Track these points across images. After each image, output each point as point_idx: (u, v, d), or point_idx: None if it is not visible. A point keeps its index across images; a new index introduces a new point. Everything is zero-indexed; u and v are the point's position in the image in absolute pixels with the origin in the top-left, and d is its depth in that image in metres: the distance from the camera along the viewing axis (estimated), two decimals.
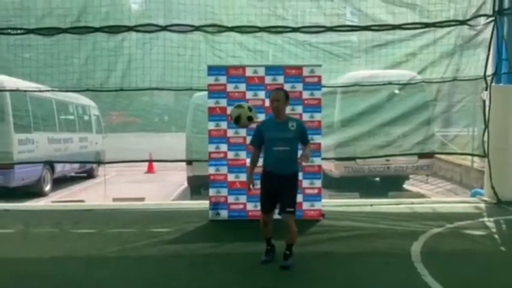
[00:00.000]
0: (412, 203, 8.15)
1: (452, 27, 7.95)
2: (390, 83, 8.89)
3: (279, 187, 4.77)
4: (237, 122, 5.11)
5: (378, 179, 11.63)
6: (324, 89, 7.26)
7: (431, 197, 10.19)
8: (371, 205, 7.94)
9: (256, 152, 5.03)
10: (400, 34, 7.86)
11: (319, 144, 6.89)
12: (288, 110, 6.67)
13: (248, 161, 6.76)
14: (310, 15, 7.61)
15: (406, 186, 11.48)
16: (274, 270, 4.83)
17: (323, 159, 7.29)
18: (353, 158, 9.36)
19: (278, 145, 4.78)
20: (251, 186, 5.06)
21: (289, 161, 4.81)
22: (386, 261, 5.10)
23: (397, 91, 9.23)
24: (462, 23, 7.92)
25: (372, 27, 7.51)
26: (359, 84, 8.68)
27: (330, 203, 7.84)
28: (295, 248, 4.97)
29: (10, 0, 8.74)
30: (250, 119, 5.07)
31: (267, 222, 4.94)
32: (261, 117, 6.80)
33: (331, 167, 10.01)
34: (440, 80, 8.51)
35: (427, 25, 7.75)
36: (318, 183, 6.92)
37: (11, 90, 9.36)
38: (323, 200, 7.18)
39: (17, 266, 5.05)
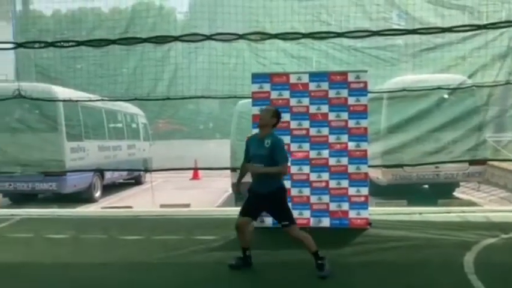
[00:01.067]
0: (463, 212, 7.84)
1: (504, 29, 7.61)
2: (439, 88, 8.62)
3: (262, 205, 4.84)
4: None
5: (426, 186, 11.28)
6: (370, 95, 7.14)
7: (484, 205, 9.75)
8: (420, 213, 7.70)
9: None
10: (450, 37, 7.61)
11: (366, 151, 6.77)
12: (333, 116, 6.72)
13: (294, 168, 6.79)
14: (355, 20, 7.50)
15: (456, 194, 11.06)
16: (318, 279, 4.75)
17: (370, 166, 7.14)
18: (401, 165, 9.11)
19: (255, 161, 4.81)
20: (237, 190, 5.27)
21: (264, 178, 4.75)
22: (438, 272, 4.92)
23: (446, 96, 8.93)
24: None
25: (420, 31, 7.29)
26: (407, 89, 8.46)
27: (377, 211, 7.66)
28: (341, 258, 4.88)
29: (63, 14, 9.16)
30: None
31: (239, 227, 4.90)
32: (306, 124, 6.82)
33: (378, 175, 9.79)
34: (493, 83, 8.16)
35: (478, 27, 7.46)
36: (365, 190, 6.78)
37: (63, 101, 9.76)
38: (370, 208, 7.03)
39: (69, 271, 5.22)
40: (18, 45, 8.16)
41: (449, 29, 7.38)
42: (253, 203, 4.87)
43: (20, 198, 11.04)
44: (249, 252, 5.05)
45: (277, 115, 4.92)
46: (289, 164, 5.16)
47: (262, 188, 4.76)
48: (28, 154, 9.46)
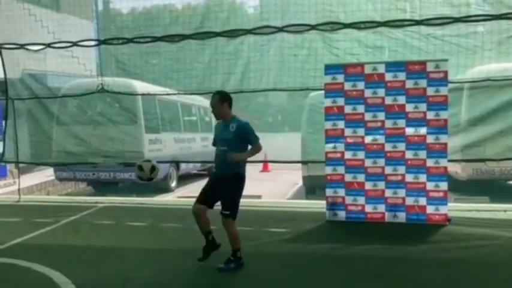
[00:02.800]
0: None
1: None
2: None
3: (217, 187, 4.86)
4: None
5: (511, 182, 10.57)
6: (450, 85, 6.78)
7: None
8: (504, 211, 7.25)
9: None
10: None
11: (446, 144, 6.46)
12: (410, 108, 6.47)
13: (368, 161, 6.65)
14: (435, 6, 7.11)
15: None
16: (395, 274, 4.62)
17: (449, 160, 6.81)
18: (483, 160, 8.58)
19: (219, 145, 4.93)
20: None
21: (226, 162, 4.75)
22: None
23: None
24: None
25: (508, 15, 6.78)
26: (490, 79, 7.92)
27: (457, 208, 7.30)
28: (420, 254, 4.69)
29: (139, 11, 9.53)
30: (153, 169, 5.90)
31: (196, 213, 4.93)
32: (381, 116, 6.62)
33: (457, 169, 9.30)
34: None
35: None
36: (444, 185, 6.48)
37: (142, 94, 10.20)
38: (449, 204, 6.71)
39: (149, 256, 5.47)
40: (101, 42, 8.63)
41: None
42: (208, 189, 4.97)
43: (102, 187, 11.72)
44: (211, 236, 5.07)
45: (224, 99, 4.96)
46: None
47: (223, 171, 4.84)
48: (110, 145, 9.98)
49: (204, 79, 8.50)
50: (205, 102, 14.34)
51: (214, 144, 5.14)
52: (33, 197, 10.64)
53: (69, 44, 8.36)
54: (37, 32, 8.71)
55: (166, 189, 11.65)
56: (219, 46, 8.15)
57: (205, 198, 4.92)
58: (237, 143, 4.81)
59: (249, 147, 4.88)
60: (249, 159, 4.99)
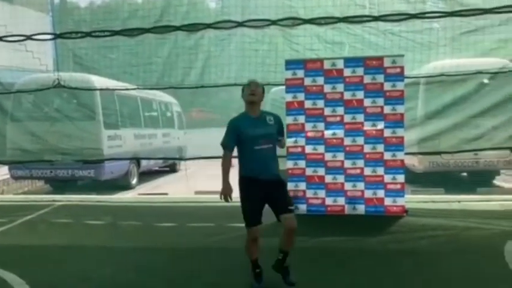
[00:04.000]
0: (505, 200, 7.59)
1: None
2: (479, 72, 8.29)
3: (267, 192, 4.09)
4: None
5: (465, 174, 10.98)
6: (406, 80, 6.96)
7: None
8: (458, 202, 7.52)
9: (229, 155, 4.24)
10: (492, 18, 7.29)
11: (402, 138, 6.63)
12: (368, 102, 6.60)
13: (328, 155, 6.73)
14: (392, 3, 7.29)
15: (497, 182, 10.71)
16: (354, 265, 4.72)
17: (406, 153, 7.00)
18: (439, 153, 8.88)
19: (261, 143, 4.10)
20: (229, 199, 4.19)
21: (272, 159, 4.20)
22: (477, 262, 4.80)
23: (486, 81, 8.60)
24: None
25: (461, 13, 7.02)
26: (445, 74, 8.20)
27: (414, 199, 7.51)
28: (376, 245, 4.82)
29: (98, 5, 9.32)
30: None
31: (257, 238, 4.22)
32: (340, 111, 6.72)
33: (414, 162, 9.58)
34: None
35: None
36: (401, 178, 6.66)
37: (100, 89, 9.96)
38: (406, 196, 6.90)
39: (109, 255, 5.37)
40: (57, 36, 8.36)
41: (492, 10, 7.08)
42: (259, 203, 4.15)
43: (60, 185, 11.40)
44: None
45: (264, 91, 4.38)
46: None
47: (272, 172, 4.16)
48: (67, 142, 9.74)
49: (164, 74, 8.41)
50: (166, 97, 14.19)
51: (229, 145, 4.19)
52: None
53: (22, 38, 8.06)
54: None
55: (127, 187, 11.44)
56: (179, 40, 8.08)
57: (261, 216, 4.19)
58: (276, 138, 4.26)
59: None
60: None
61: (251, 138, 4.10)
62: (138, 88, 9.78)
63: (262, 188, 4.07)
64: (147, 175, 13.16)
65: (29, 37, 8.09)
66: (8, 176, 11.43)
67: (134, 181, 11.92)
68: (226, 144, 4.19)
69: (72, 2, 9.68)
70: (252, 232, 4.18)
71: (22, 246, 5.76)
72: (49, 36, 8.43)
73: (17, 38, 8.10)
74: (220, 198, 4.22)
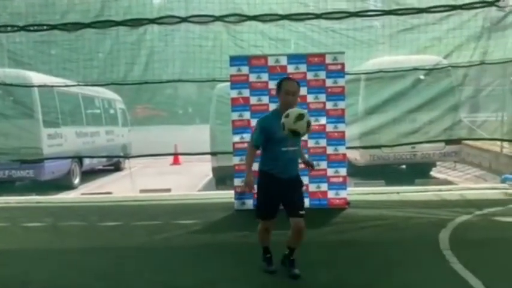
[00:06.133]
0: (440, 190, 8.03)
1: (480, 9, 7.71)
2: (415, 69, 8.71)
3: (284, 191, 4.17)
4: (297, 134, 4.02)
5: (404, 166, 11.47)
6: (347, 77, 7.18)
7: (460, 183, 9.99)
8: (397, 193, 7.87)
9: (254, 152, 4.32)
10: (426, 18, 7.66)
11: (344, 132, 6.84)
12: (311, 98, 6.75)
13: None
14: (333, 1, 7.48)
15: (433, 173, 11.29)
16: (301, 259, 4.82)
17: (348, 148, 7.22)
18: (378, 146, 9.24)
19: (288, 145, 4.12)
20: (252, 190, 4.38)
21: (296, 161, 4.29)
22: (414, 249, 5.04)
23: (422, 77, 9.04)
24: (490, 4, 7.66)
25: (397, 11, 7.33)
26: (383, 70, 8.52)
27: (356, 192, 7.79)
28: (320, 237, 4.95)
29: None
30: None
31: (269, 229, 4.38)
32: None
33: (356, 156, 9.91)
34: (468, 64, 8.28)
35: (453, 7, 7.54)
36: (343, 171, 6.88)
37: (38, 86, 9.55)
38: (348, 189, 7.13)
39: (51, 257, 5.19)
40: None
41: (426, 10, 7.44)
42: (275, 198, 4.20)
43: None
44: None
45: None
46: None
47: (292, 172, 4.21)
48: (3, 142, 9.27)
49: (106, 70, 8.16)
50: (109, 94, 13.82)
51: (258, 143, 4.21)
52: None
53: None
54: None
55: (69, 187, 11.06)
56: (120, 36, 7.87)
57: (276, 210, 4.23)
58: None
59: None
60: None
61: (279, 140, 4.09)
62: (78, 85, 9.46)
63: (281, 187, 4.15)
64: (90, 174, 12.78)
65: None
66: None
67: (77, 181, 11.54)
68: (255, 142, 4.26)
69: None
70: (265, 224, 4.32)
71: None
72: None
73: None
74: (244, 188, 4.66)
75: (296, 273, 4.32)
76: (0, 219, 6.99)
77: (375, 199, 7.48)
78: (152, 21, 7.52)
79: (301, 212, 4.18)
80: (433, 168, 11.34)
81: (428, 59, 8.77)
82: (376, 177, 9.24)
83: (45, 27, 7.71)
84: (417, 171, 10.50)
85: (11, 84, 8.61)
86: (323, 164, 6.79)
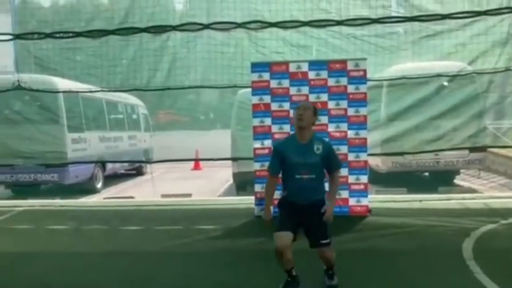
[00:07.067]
0: (464, 199, 7.87)
1: (505, 15, 7.57)
2: (439, 75, 8.60)
3: (303, 216, 3.96)
4: None
5: (426, 174, 11.30)
6: (369, 83, 7.13)
7: (484, 192, 9.78)
8: (420, 201, 7.74)
9: (274, 180, 4.10)
10: (450, 24, 7.58)
11: (365, 139, 6.78)
12: (332, 105, 6.72)
13: None
14: (355, 8, 7.46)
15: (456, 181, 11.08)
16: (318, 266, 4.78)
17: (369, 155, 7.16)
18: (400, 153, 9.12)
19: (301, 172, 3.90)
20: (268, 224, 4.07)
21: (314, 189, 3.95)
22: (437, 258, 4.96)
23: (446, 83, 8.91)
24: None
25: (420, 18, 7.26)
26: (406, 77, 8.44)
27: (377, 199, 7.71)
28: (341, 244, 4.90)
29: (61, 5, 9.13)
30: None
31: (283, 250, 3.85)
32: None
33: (377, 162, 9.81)
34: (493, 70, 8.14)
35: (478, 13, 7.42)
36: (364, 178, 6.81)
37: (63, 92, 9.75)
38: (370, 196, 7.06)
39: (73, 260, 5.27)
40: (16, 36, 8.14)
41: (449, 16, 7.35)
42: (292, 216, 3.96)
43: (22, 190, 11.10)
44: (295, 271, 4.13)
45: (316, 112, 4.09)
46: None
47: (311, 199, 3.96)
48: (29, 146, 9.49)
49: (129, 76, 8.31)
50: (132, 99, 14.03)
51: (273, 170, 4.04)
52: None
53: None
54: None
55: (92, 191, 11.24)
56: (143, 42, 8.00)
57: (292, 227, 3.92)
58: (322, 168, 3.97)
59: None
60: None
61: (293, 166, 3.91)
62: (102, 90, 9.64)
63: (300, 211, 3.94)
64: (112, 178, 12.95)
65: None
66: None
67: (99, 185, 11.72)
68: (271, 170, 4.07)
69: (35, 2, 9.45)
70: (278, 239, 3.85)
71: None
72: (8, 37, 8.19)
73: None
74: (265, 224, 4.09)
75: (331, 284, 4.22)
76: (25, 221, 7.14)
77: (396, 207, 7.38)
78: (175, 28, 7.60)
79: (323, 242, 3.97)
80: (457, 176, 11.13)
81: (452, 65, 8.65)
82: (398, 184, 9.12)
83: (70, 34, 7.85)
84: (440, 178, 10.33)
85: (37, 90, 8.80)
86: (344, 171, 6.74)
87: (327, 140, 4.20)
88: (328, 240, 3.98)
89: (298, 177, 3.89)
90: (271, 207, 4.13)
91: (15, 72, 8.65)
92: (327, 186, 4.17)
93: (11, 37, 8.11)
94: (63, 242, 6.10)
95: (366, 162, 6.84)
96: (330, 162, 4.01)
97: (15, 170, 9.98)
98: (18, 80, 8.24)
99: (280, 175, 4.09)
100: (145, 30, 7.64)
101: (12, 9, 8.93)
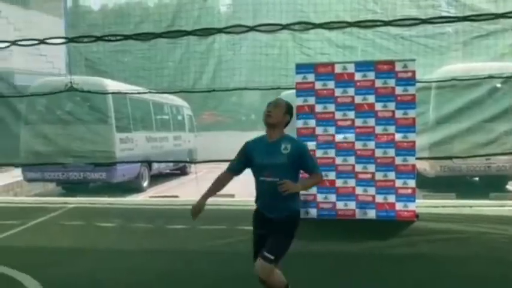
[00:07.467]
0: None
1: None
2: (491, 77, 8.24)
3: (267, 231, 3.48)
4: None
5: (477, 178, 10.89)
6: (418, 85, 6.95)
7: None
8: (470, 207, 7.47)
9: (225, 176, 3.69)
10: (504, 23, 7.26)
11: (414, 142, 6.61)
12: (379, 106, 6.59)
13: (338, 159, 6.71)
14: (403, 8, 7.28)
15: (509, 187, 10.63)
16: (365, 269, 4.70)
17: (417, 158, 6.97)
18: (450, 157, 8.82)
19: (264, 174, 3.46)
20: (194, 217, 3.69)
21: (280, 197, 3.35)
22: (486, 266, 4.76)
23: (499, 85, 8.55)
24: None
25: (472, 17, 6.99)
26: (457, 78, 8.15)
27: (425, 204, 7.49)
28: (388, 249, 4.80)
29: (110, 9, 9.42)
30: None
31: (263, 280, 3.43)
32: (351, 115, 6.70)
33: (425, 166, 9.54)
34: None
35: None
36: (412, 183, 6.62)
37: (113, 93, 10.06)
38: (417, 201, 6.87)
39: (118, 257, 5.42)
40: (69, 40, 8.45)
41: (503, 15, 7.03)
42: (261, 238, 3.54)
43: (72, 187, 11.52)
44: None
45: (290, 111, 3.61)
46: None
47: (275, 211, 3.48)
48: (80, 145, 9.83)
49: (176, 78, 8.46)
50: (177, 101, 14.30)
51: (235, 170, 3.68)
52: (0, 198, 10.36)
53: (35, 42, 8.16)
54: (3, 29, 8.50)
55: (138, 189, 11.53)
56: (190, 45, 8.12)
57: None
58: (290, 170, 3.44)
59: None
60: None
61: (257, 167, 3.52)
62: (150, 92, 9.87)
63: (265, 224, 3.51)
64: (158, 178, 13.23)
65: (41, 41, 8.18)
66: (21, 178, 11.59)
67: (145, 184, 12.01)
68: (230, 165, 3.70)
69: (85, 6, 9.78)
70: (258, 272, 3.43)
71: (34, 248, 5.83)
72: (61, 40, 8.52)
73: (30, 42, 8.21)
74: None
75: None
76: (75, 218, 7.41)
77: (445, 212, 7.15)
78: (221, 30, 7.67)
79: (265, 254, 3.35)
80: (510, 182, 10.68)
81: (506, 66, 8.29)
82: (446, 189, 8.84)
83: (119, 37, 8.07)
84: (492, 184, 9.93)
85: (88, 91, 9.10)
86: (391, 175, 6.59)
87: (301, 141, 3.77)
88: (271, 257, 3.35)
89: (261, 179, 3.50)
90: (204, 202, 3.66)
91: (67, 74, 8.96)
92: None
93: (64, 40, 8.44)
94: (110, 239, 6.28)
95: (413, 166, 6.66)
96: (303, 163, 3.49)
97: (66, 168, 10.37)
98: (70, 82, 8.52)
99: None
100: (192, 33, 7.75)
101: (65, 13, 9.30)
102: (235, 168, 3.67)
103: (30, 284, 4.49)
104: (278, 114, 3.50)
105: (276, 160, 3.42)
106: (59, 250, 5.73)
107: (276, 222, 3.45)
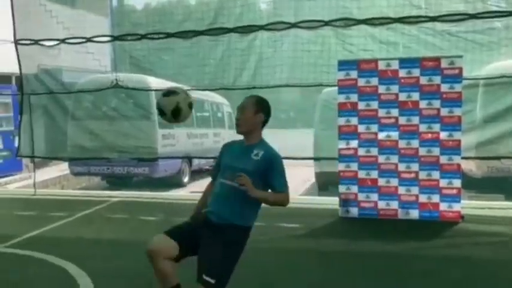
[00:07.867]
0: None
1: None
2: None
3: (204, 239, 3.07)
4: (176, 115, 3.22)
5: None
6: (465, 82, 6.72)
7: None
8: None
9: (211, 186, 3.41)
10: None
11: (459, 141, 6.41)
12: (424, 104, 6.42)
13: (381, 158, 6.60)
14: (449, 3, 7.04)
15: None
16: (407, 270, 4.61)
17: (463, 158, 6.76)
18: (498, 158, 8.47)
19: (226, 176, 3.14)
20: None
21: (232, 204, 3.07)
22: None
23: None
24: None
25: None
26: (506, 75, 7.83)
27: (471, 205, 7.25)
28: (432, 250, 4.68)
29: (153, 7, 9.61)
30: (191, 105, 3.30)
31: (153, 255, 3.09)
32: (395, 112, 6.58)
33: (471, 167, 9.20)
34: None
35: None
36: (457, 183, 6.43)
37: (155, 90, 10.24)
38: (462, 202, 6.66)
39: None
40: (114, 38, 8.70)
41: None
42: (190, 229, 3.20)
43: (116, 181, 11.86)
44: None
45: (263, 107, 3.26)
46: None
47: (222, 216, 3.09)
48: (124, 141, 10.08)
49: (217, 75, 8.54)
50: (217, 98, 14.45)
51: (214, 177, 3.37)
52: (48, 191, 10.78)
53: (82, 40, 8.45)
54: (52, 28, 8.83)
55: (179, 184, 11.75)
56: (231, 42, 8.17)
57: (178, 237, 3.12)
58: (257, 179, 3.04)
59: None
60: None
61: (222, 168, 3.23)
62: (191, 89, 9.99)
63: (203, 231, 3.11)
64: (198, 174, 13.42)
65: (88, 39, 8.47)
66: (68, 171, 12.04)
67: (186, 179, 12.22)
68: (211, 174, 3.50)
69: (130, 5, 10.03)
70: (152, 240, 3.16)
71: (81, 239, 6.03)
72: (107, 39, 8.78)
73: (77, 40, 8.50)
74: None
75: None
76: (120, 211, 7.62)
77: (492, 214, 6.89)
78: (262, 27, 7.68)
79: (205, 279, 2.90)
80: None
81: None
82: (493, 190, 8.54)
83: (162, 35, 8.22)
84: None
85: (133, 88, 9.34)
86: (435, 174, 6.42)
87: (276, 151, 3.26)
88: (212, 281, 2.88)
89: (222, 181, 3.16)
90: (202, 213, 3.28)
91: (112, 71, 9.21)
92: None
93: (110, 39, 8.69)
94: (155, 232, 6.36)
95: (459, 165, 6.46)
96: (269, 175, 3.10)
97: (111, 162, 10.68)
98: (116, 79, 8.76)
99: None
100: (234, 30, 7.80)
101: (111, 12, 9.56)
102: (214, 176, 3.40)
103: (77, 274, 4.64)
104: (247, 119, 3.17)
105: (242, 165, 3.07)
106: (104, 242, 5.91)
107: (223, 228, 3.04)
